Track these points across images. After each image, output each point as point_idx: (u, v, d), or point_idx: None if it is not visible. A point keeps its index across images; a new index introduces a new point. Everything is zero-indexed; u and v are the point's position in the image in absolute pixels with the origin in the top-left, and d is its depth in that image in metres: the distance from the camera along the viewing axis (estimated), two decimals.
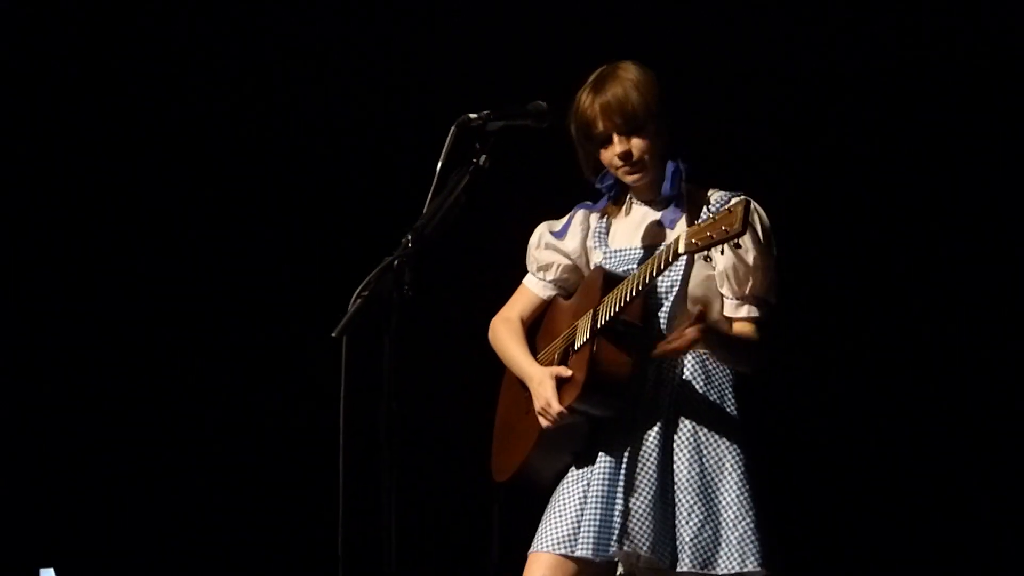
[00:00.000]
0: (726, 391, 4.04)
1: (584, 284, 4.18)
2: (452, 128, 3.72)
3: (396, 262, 3.51)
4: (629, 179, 4.12)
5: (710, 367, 4.02)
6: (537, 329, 4.31)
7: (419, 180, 3.71)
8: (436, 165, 3.63)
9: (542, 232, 4.28)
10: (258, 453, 5.48)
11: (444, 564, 4.94)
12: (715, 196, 4.09)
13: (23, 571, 5.30)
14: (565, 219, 4.29)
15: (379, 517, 3.43)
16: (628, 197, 4.22)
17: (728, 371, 4.04)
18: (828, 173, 5.04)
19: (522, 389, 4.21)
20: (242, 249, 5.49)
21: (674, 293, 4.03)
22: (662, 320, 4.02)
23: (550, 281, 4.28)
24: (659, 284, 4.02)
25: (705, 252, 3.75)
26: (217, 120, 5.47)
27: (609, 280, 4.05)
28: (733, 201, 3.76)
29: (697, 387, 4.01)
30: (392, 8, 5.40)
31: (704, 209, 4.04)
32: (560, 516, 4.02)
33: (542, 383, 4.06)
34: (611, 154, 4.10)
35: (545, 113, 3.92)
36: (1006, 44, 4.84)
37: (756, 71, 5.04)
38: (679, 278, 4.04)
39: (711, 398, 4.01)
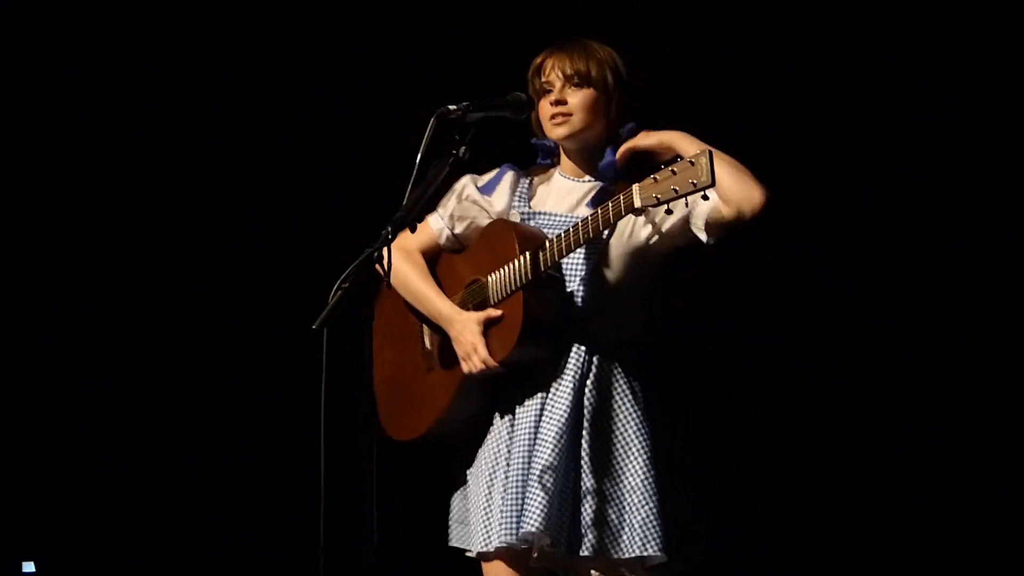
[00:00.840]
0: (637, 376, 4.00)
1: (485, 237, 4.12)
2: (431, 120, 3.73)
3: (376, 253, 3.52)
4: (555, 132, 4.07)
5: (624, 353, 3.99)
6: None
7: (398, 171, 3.70)
8: (415, 156, 3.64)
9: (466, 183, 4.20)
10: (239, 445, 5.48)
11: (424, 553, 4.84)
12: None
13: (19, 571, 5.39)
14: (492, 175, 4.23)
15: (360, 506, 3.44)
16: (555, 170, 4.18)
17: (642, 356, 4.01)
18: (825, 173, 5.06)
19: (416, 341, 4.18)
20: (222, 243, 5.49)
21: (589, 266, 3.99)
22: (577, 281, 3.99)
23: (456, 233, 4.21)
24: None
25: (665, 206, 3.73)
26: (193, 115, 5.50)
27: (525, 234, 4.00)
28: (693, 153, 3.70)
29: (608, 372, 3.98)
30: (372, 2, 5.43)
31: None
32: (477, 512, 4.01)
33: (466, 327, 4.01)
34: (547, 103, 4.07)
35: (524, 104, 3.92)
36: (1005, 44, 4.86)
37: (743, 70, 5.08)
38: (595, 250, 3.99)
39: (621, 383, 3.98)
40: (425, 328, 4.23)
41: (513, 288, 3.96)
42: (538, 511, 3.82)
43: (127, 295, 5.50)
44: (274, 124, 5.48)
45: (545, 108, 4.08)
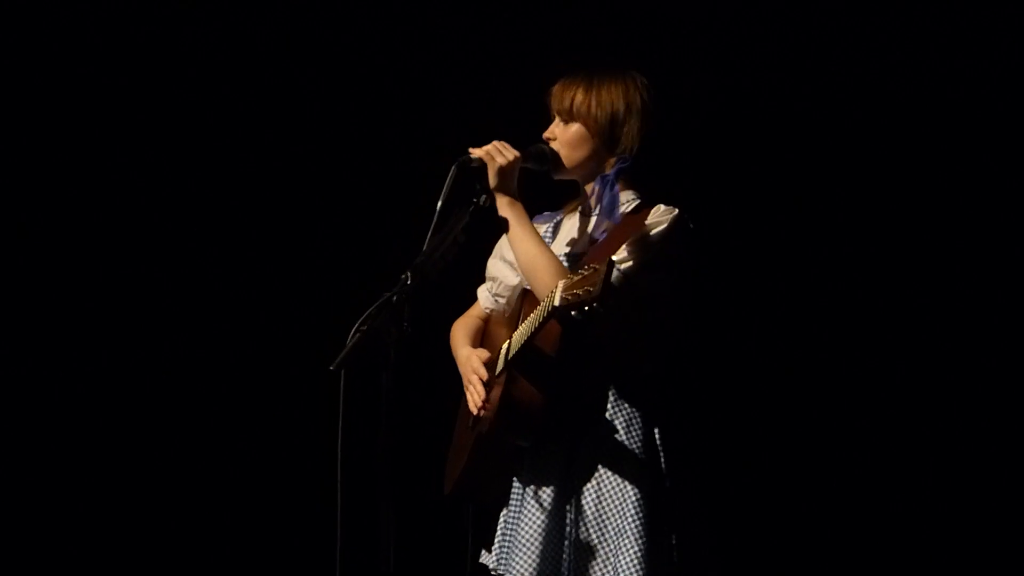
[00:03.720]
0: (637, 427, 3.87)
1: (523, 307, 4.03)
2: (452, 168, 3.75)
3: (395, 298, 3.52)
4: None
5: (624, 407, 3.87)
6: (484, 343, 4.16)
7: (420, 217, 3.72)
8: (436, 203, 3.68)
9: (502, 241, 4.06)
10: (256, 486, 5.44)
11: None
12: (654, 215, 3.86)
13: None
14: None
15: (377, 553, 3.44)
16: (580, 205, 4.06)
17: (645, 410, 3.87)
18: (823, 174, 5.02)
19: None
20: (242, 282, 5.44)
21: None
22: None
23: (494, 295, 4.12)
24: None
25: (574, 312, 3.54)
26: (218, 152, 5.47)
27: (529, 307, 3.86)
28: (597, 263, 3.51)
29: (607, 424, 3.87)
30: (390, 38, 5.38)
31: (640, 229, 3.80)
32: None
33: (468, 359, 3.99)
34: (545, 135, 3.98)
35: (546, 156, 3.94)
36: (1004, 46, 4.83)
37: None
38: None
39: (619, 434, 3.86)
40: None
41: (503, 365, 3.89)
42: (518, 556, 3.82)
43: (145, 337, 5.46)
44: (301, 167, 5.43)
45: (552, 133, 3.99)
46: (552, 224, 4.11)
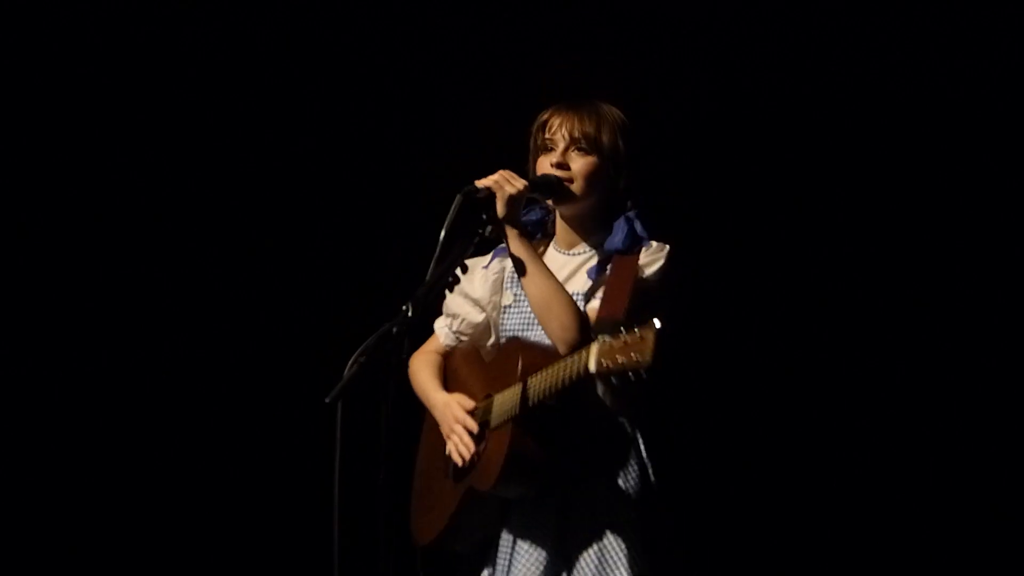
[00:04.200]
0: (633, 472, 3.78)
1: (502, 352, 3.87)
2: (457, 197, 3.65)
3: (395, 330, 3.45)
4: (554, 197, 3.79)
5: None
6: (447, 383, 4.02)
7: (423, 246, 3.66)
8: (440, 232, 3.59)
9: (464, 277, 3.83)
10: (253, 519, 5.39)
11: None
12: (646, 256, 3.76)
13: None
14: (487, 258, 3.98)
15: None
16: (551, 244, 3.91)
17: (638, 452, 3.78)
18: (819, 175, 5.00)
19: (440, 438, 3.93)
20: (241, 309, 5.41)
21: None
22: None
23: (456, 331, 3.98)
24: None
25: (613, 378, 3.44)
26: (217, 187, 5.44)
27: (528, 358, 3.72)
28: (642, 329, 3.36)
29: (603, 473, 3.77)
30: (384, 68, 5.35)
31: (631, 270, 3.70)
32: None
33: (448, 405, 3.86)
34: (546, 161, 3.81)
35: (555, 185, 3.83)
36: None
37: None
38: None
39: (615, 482, 3.77)
40: None
41: (506, 418, 3.73)
42: None
43: (143, 362, 5.44)
44: (309, 190, 5.40)
45: (544, 167, 3.82)
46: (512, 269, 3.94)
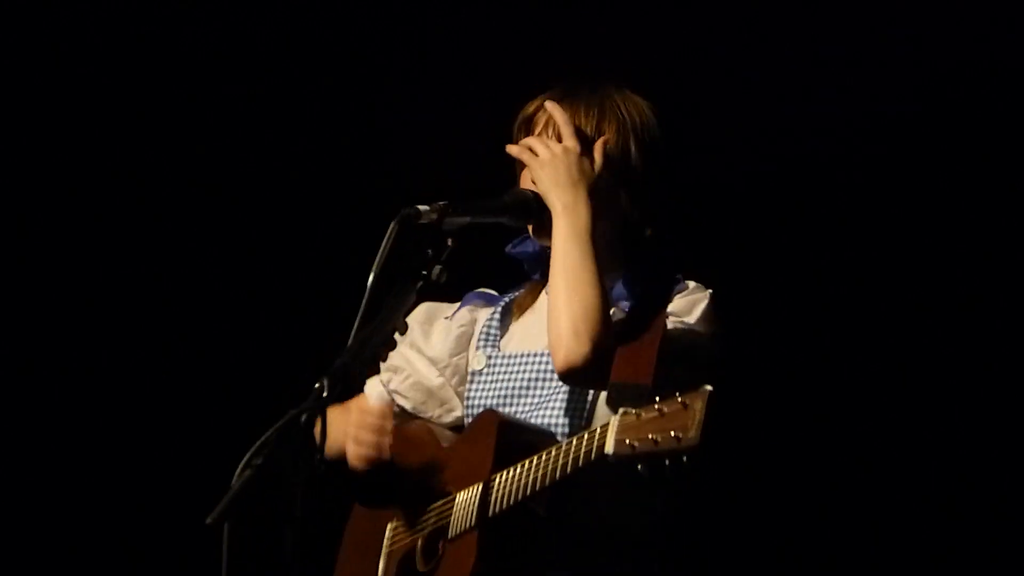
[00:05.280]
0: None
1: (472, 430, 3.14)
2: (392, 225, 2.73)
3: (304, 418, 2.59)
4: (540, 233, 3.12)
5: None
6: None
7: (345, 296, 2.82)
8: (367, 276, 2.69)
9: (415, 326, 3.21)
10: None
11: None
12: (680, 302, 3.06)
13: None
14: (452, 307, 3.30)
15: None
16: (544, 289, 3.16)
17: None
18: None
19: (370, 560, 3.21)
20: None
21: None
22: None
23: (393, 390, 3.26)
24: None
25: (640, 465, 2.69)
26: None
27: (507, 438, 2.98)
28: (687, 396, 2.66)
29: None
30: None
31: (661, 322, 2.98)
32: None
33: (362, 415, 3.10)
34: (530, 174, 3.08)
35: (531, 205, 3.00)
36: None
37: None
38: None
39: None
40: (387, 541, 3.25)
41: (468, 525, 2.97)
42: None
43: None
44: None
45: (526, 182, 3.07)
46: (500, 308, 3.25)
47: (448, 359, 3.21)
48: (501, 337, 3.15)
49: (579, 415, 3.02)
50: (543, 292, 3.13)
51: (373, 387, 3.24)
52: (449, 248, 2.76)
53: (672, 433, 2.61)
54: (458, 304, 3.23)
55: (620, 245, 3.08)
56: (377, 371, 2.70)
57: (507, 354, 3.11)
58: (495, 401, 3.12)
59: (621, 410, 2.71)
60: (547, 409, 3.05)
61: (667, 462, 2.63)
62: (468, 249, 2.83)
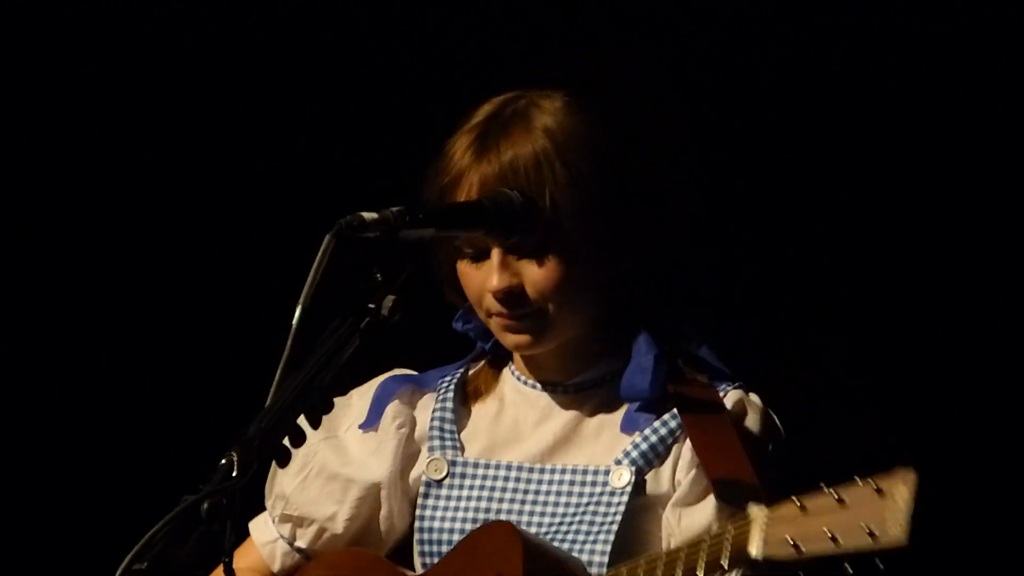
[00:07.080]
0: None
1: (462, 551, 2.47)
2: (327, 239, 2.07)
3: (205, 506, 1.99)
4: (510, 340, 2.47)
5: None
6: None
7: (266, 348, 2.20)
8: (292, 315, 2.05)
9: (322, 434, 2.51)
10: None
11: None
12: (730, 399, 2.57)
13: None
14: (364, 407, 2.63)
15: None
16: (506, 368, 2.60)
17: None
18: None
19: None
20: None
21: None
22: None
23: (301, 547, 2.59)
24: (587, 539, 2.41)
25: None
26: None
27: (535, 564, 2.32)
28: (881, 480, 2.14)
29: None
30: None
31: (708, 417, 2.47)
32: None
33: None
34: (479, 280, 2.45)
35: (515, 210, 2.33)
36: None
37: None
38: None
39: None
40: None
41: None
42: None
43: None
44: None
45: (478, 291, 2.42)
46: (446, 394, 2.57)
47: (397, 481, 2.53)
48: (460, 431, 2.51)
49: (611, 542, 2.40)
50: (505, 371, 2.54)
51: (265, 530, 2.59)
52: (406, 272, 2.08)
53: (863, 526, 2.11)
54: (368, 404, 2.54)
55: (609, 323, 2.48)
56: (303, 440, 2.02)
57: (479, 462, 2.48)
58: (466, 522, 2.48)
59: (750, 506, 2.18)
60: (566, 533, 2.43)
61: (847, 566, 2.12)
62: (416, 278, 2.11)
